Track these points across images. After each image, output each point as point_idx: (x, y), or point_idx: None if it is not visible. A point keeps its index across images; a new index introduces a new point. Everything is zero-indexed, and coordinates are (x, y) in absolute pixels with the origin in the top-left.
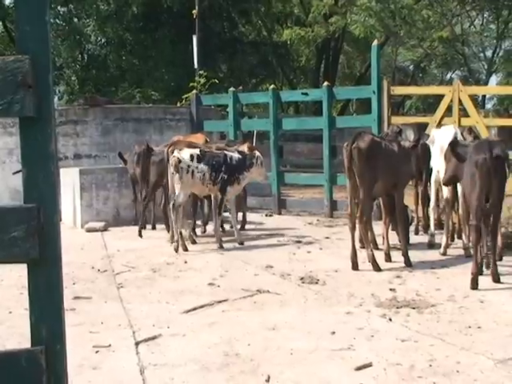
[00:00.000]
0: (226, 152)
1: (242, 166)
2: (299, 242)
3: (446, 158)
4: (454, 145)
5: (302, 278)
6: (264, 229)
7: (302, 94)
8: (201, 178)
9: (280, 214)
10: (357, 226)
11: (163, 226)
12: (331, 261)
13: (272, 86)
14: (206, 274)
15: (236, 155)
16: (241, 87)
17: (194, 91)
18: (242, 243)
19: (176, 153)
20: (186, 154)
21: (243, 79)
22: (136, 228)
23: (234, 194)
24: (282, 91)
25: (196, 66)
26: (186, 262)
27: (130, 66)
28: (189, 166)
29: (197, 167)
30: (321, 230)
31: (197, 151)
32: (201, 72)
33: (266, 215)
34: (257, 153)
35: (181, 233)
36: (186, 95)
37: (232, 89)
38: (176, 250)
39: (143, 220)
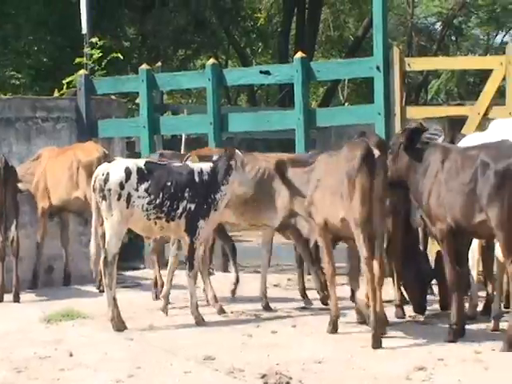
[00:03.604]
0: (190, 164)
1: (215, 180)
2: (258, 316)
3: None
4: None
5: (263, 376)
6: (198, 296)
7: (261, 72)
8: (144, 208)
9: (226, 270)
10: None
11: (32, 294)
12: (311, 346)
13: (211, 61)
14: (105, 374)
15: (206, 166)
16: (160, 64)
17: (83, 71)
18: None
19: (101, 167)
20: (117, 168)
21: (163, 50)
22: None
23: (209, 231)
24: (228, 69)
25: (85, 30)
26: (71, 355)
27: None
28: (122, 189)
29: (137, 190)
30: (294, 296)
31: (138, 163)
32: (93, 40)
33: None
34: (235, 150)
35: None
36: (68, 78)
37: (145, 66)
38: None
39: (2, 286)
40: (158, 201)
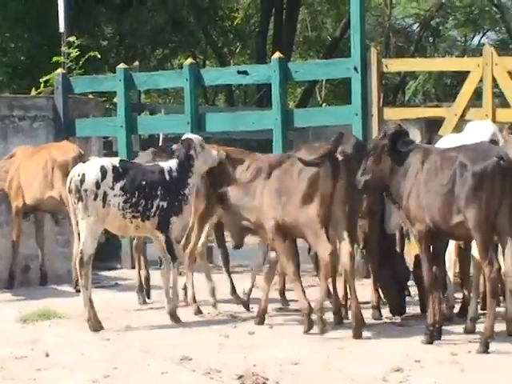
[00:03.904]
0: (160, 164)
1: (183, 174)
2: (235, 317)
3: None
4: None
5: (240, 377)
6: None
7: (239, 72)
8: (120, 207)
9: None
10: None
11: (8, 294)
12: (288, 347)
13: (189, 61)
14: (82, 374)
15: (173, 163)
16: (137, 63)
17: (60, 70)
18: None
19: (76, 168)
20: (93, 167)
21: (141, 50)
22: None
23: (182, 226)
24: (206, 69)
25: (62, 28)
26: (47, 356)
27: None
28: (98, 188)
29: (113, 188)
30: (271, 297)
31: (113, 162)
32: (71, 39)
33: (181, 273)
34: (189, 136)
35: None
36: (46, 77)
37: (122, 66)
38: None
39: None
40: (133, 200)
